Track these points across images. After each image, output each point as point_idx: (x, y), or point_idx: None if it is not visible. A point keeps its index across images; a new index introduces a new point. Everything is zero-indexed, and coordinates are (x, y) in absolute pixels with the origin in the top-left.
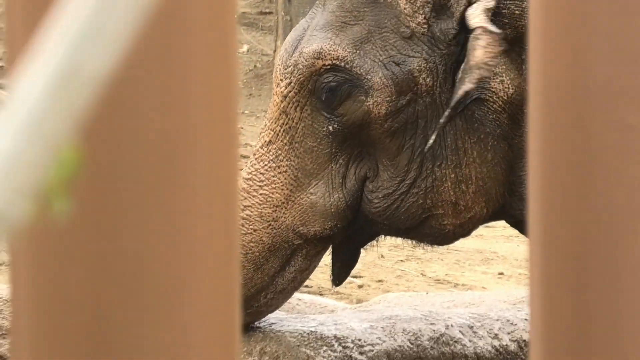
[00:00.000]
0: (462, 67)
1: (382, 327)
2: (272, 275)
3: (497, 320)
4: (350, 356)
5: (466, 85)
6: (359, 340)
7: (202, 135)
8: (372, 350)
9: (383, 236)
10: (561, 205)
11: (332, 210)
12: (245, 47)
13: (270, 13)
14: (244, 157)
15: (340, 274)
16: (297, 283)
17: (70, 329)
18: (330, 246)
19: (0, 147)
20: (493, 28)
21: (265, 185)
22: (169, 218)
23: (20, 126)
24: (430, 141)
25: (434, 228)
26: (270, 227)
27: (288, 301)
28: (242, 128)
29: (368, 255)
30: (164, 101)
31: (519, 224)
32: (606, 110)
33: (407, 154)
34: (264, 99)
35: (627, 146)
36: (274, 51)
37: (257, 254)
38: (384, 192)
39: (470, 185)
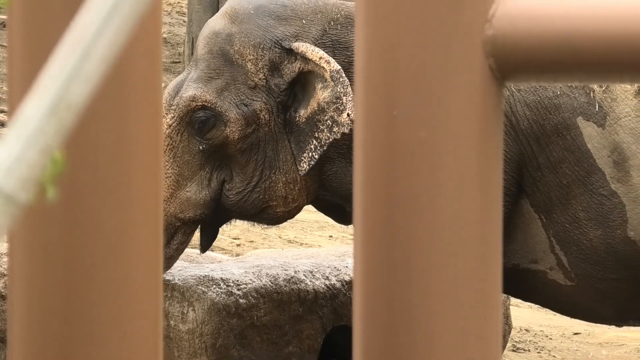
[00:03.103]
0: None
1: (252, 272)
2: (162, 247)
3: (328, 267)
4: (231, 292)
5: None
6: (237, 281)
7: (138, 147)
8: (246, 288)
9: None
10: (376, 195)
11: (201, 202)
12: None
13: (179, 62)
14: None
15: (205, 245)
16: (179, 251)
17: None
18: (199, 226)
19: (11, 151)
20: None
21: None
22: (114, 206)
23: (24, 137)
24: (303, 171)
25: (269, 214)
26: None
27: (189, 255)
28: None
29: (244, 224)
30: (113, 122)
31: (326, 209)
32: (407, 129)
33: (252, 165)
34: None
35: (420, 154)
36: None
37: None
38: (236, 190)
39: (297, 184)
